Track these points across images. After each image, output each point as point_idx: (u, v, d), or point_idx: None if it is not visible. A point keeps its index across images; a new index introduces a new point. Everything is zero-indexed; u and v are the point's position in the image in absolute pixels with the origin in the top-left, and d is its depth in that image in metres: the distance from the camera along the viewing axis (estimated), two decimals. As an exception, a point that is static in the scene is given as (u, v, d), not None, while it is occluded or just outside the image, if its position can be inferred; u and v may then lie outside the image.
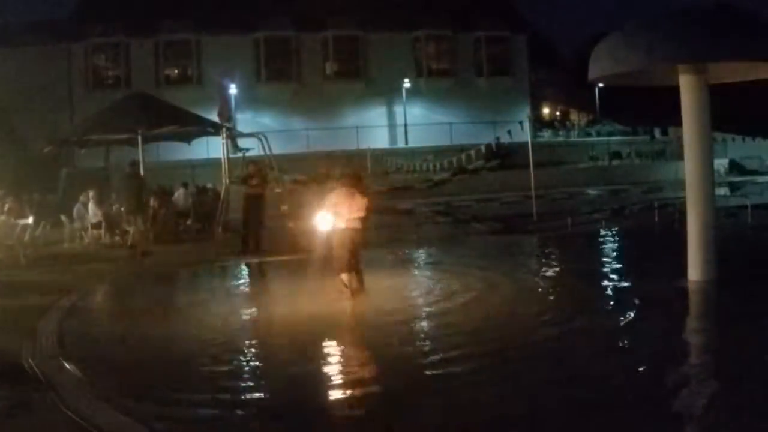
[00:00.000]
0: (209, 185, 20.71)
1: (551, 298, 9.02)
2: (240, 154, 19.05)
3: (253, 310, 9.15)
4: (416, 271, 11.95)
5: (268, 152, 17.48)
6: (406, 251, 13.87)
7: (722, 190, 24.38)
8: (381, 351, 6.69)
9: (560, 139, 43.14)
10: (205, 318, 8.40)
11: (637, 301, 8.25)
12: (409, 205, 26.32)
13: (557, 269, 11.31)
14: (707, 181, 8.85)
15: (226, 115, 34.58)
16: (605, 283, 9.68)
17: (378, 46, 39.99)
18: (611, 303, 8.51)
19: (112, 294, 11.10)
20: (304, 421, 4.95)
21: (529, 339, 6.89)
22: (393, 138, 40.44)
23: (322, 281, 9.29)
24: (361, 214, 8.81)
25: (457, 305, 8.45)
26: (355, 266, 8.93)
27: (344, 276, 8.82)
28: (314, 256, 9.46)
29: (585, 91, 43.80)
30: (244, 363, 6.56)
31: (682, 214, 9.23)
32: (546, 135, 43.92)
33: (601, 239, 14.82)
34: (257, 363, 6.59)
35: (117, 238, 16.56)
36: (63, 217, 17.33)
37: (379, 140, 38.51)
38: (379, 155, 35.30)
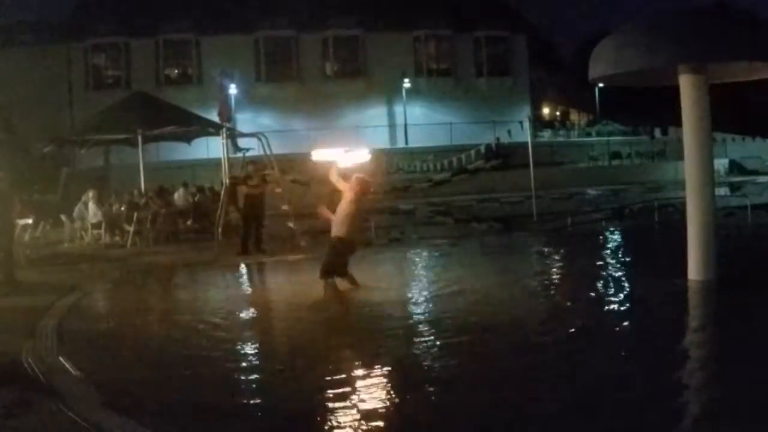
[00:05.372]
0: (207, 185, 20.73)
1: (551, 298, 9.01)
2: (240, 154, 19.05)
3: (254, 310, 9.14)
4: (415, 273, 11.93)
5: (268, 152, 17.48)
6: (405, 252, 13.86)
7: (722, 190, 24.39)
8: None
9: (560, 139, 43.18)
10: (206, 318, 8.40)
11: (637, 301, 8.26)
12: (409, 205, 26.35)
13: (557, 270, 11.31)
14: (707, 181, 8.84)
15: (226, 115, 34.60)
16: (605, 282, 9.67)
17: (378, 46, 39.99)
18: (611, 303, 8.50)
19: (113, 294, 11.09)
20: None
21: (526, 339, 6.89)
22: (393, 138, 40.46)
23: (321, 283, 9.28)
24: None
25: (454, 308, 8.44)
26: (338, 272, 8.95)
27: (329, 281, 8.84)
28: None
29: (585, 91, 43.88)
30: (245, 364, 6.55)
31: (682, 214, 9.22)
32: (546, 135, 43.97)
33: (601, 239, 14.81)
34: (259, 364, 6.58)
35: (117, 238, 16.57)
36: (63, 217, 17.34)
37: (379, 140, 38.52)
38: (379, 155, 35.30)
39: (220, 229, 16.02)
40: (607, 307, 8.21)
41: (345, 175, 9.24)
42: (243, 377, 6.09)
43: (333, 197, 9.55)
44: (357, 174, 9.26)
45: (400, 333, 7.26)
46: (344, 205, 8.98)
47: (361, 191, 9.05)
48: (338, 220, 8.95)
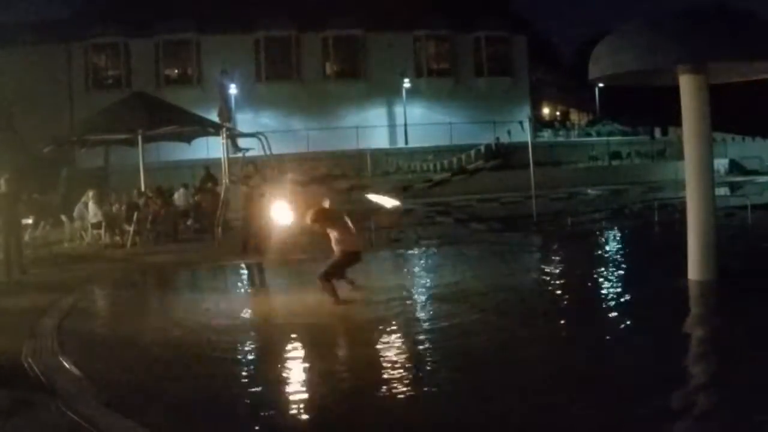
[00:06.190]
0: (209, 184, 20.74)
1: (551, 298, 9.01)
2: (240, 154, 19.04)
3: (254, 311, 9.15)
4: (414, 275, 11.92)
5: (268, 152, 17.48)
6: (405, 252, 13.86)
7: (722, 190, 24.37)
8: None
9: (560, 139, 43.13)
10: (205, 318, 8.40)
11: (637, 301, 8.26)
12: (409, 205, 26.32)
13: (557, 270, 11.31)
14: (707, 181, 8.85)
15: (226, 115, 34.55)
16: (605, 282, 9.68)
17: (378, 46, 39.98)
18: (612, 303, 8.51)
19: (112, 294, 11.09)
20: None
21: (527, 340, 6.88)
22: (393, 138, 40.43)
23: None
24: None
25: (453, 310, 8.44)
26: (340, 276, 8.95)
27: (325, 283, 8.80)
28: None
29: (585, 91, 43.87)
30: (245, 363, 6.56)
31: (682, 214, 9.23)
32: (546, 135, 43.91)
33: (601, 239, 14.81)
34: (259, 364, 6.59)
35: (117, 238, 16.57)
36: (63, 217, 17.34)
37: (379, 140, 38.50)
38: (379, 155, 35.31)
39: (219, 229, 16.04)
40: (606, 308, 8.22)
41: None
42: (242, 378, 6.09)
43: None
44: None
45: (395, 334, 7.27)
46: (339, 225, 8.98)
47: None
48: (340, 236, 8.95)
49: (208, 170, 21.69)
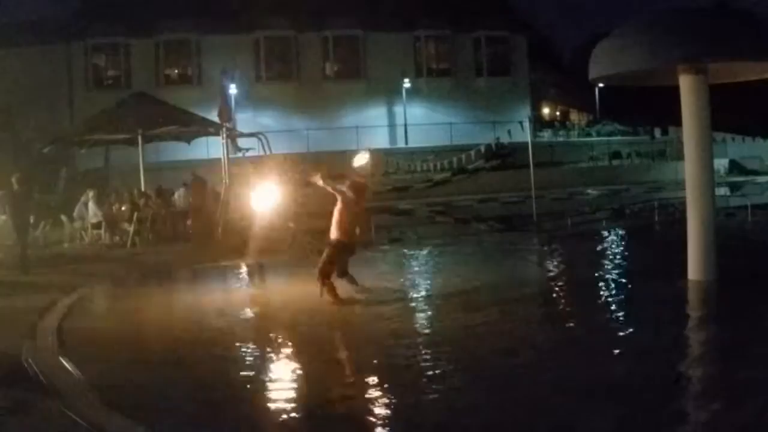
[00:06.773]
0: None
1: (551, 298, 9.01)
2: (240, 154, 19.04)
3: (254, 311, 9.15)
4: (412, 274, 11.92)
5: (268, 152, 17.49)
6: (404, 252, 13.85)
7: (722, 190, 24.39)
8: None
9: (560, 139, 43.13)
10: (205, 319, 8.40)
11: (637, 301, 8.26)
12: (409, 205, 26.35)
13: (557, 270, 11.31)
14: (707, 181, 8.85)
15: (227, 115, 34.48)
16: (605, 282, 9.68)
17: (378, 46, 39.97)
18: (612, 303, 8.51)
19: (112, 294, 11.09)
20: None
21: (530, 343, 6.88)
22: (393, 138, 40.42)
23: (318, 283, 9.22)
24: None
25: (446, 313, 8.44)
26: (337, 273, 8.91)
27: (326, 282, 8.76)
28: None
29: (585, 91, 43.80)
30: (246, 363, 6.55)
31: (682, 214, 9.23)
32: (546, 135, 43.91)
33: (601, 239, 14.81)
34: (259, 364, 6.58)
35: (117, 238, 16.56)
36: (63, 217, 17.33)
37: (379, 140, 38.49)
38: (379, 155, 35.30)
39: (220, 230, 16.03)
40: (606, 308, 8.21)
41: (338, 176, 9.16)
42: (243, 378, 6.09)
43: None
44: (354, 177, 9.15)
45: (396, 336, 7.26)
46: (339, 208, 8.88)
47: (355, 195, 8.91)
48: (335, 224, 8.89)
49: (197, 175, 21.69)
